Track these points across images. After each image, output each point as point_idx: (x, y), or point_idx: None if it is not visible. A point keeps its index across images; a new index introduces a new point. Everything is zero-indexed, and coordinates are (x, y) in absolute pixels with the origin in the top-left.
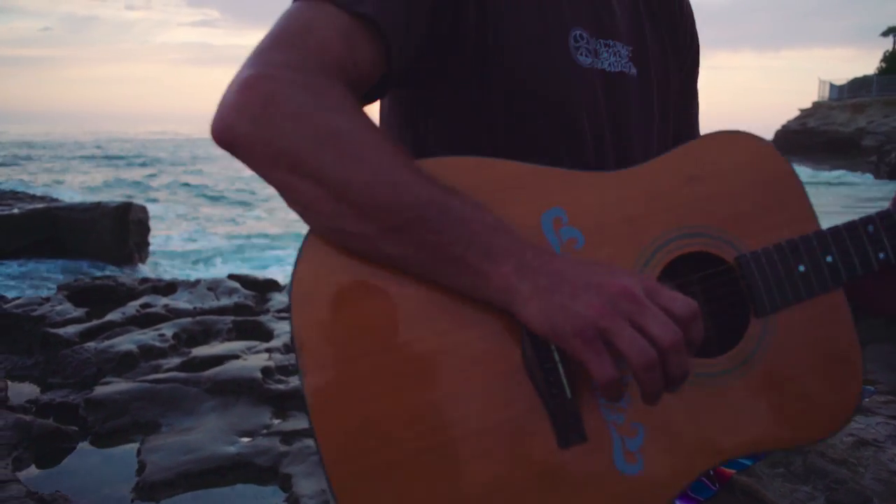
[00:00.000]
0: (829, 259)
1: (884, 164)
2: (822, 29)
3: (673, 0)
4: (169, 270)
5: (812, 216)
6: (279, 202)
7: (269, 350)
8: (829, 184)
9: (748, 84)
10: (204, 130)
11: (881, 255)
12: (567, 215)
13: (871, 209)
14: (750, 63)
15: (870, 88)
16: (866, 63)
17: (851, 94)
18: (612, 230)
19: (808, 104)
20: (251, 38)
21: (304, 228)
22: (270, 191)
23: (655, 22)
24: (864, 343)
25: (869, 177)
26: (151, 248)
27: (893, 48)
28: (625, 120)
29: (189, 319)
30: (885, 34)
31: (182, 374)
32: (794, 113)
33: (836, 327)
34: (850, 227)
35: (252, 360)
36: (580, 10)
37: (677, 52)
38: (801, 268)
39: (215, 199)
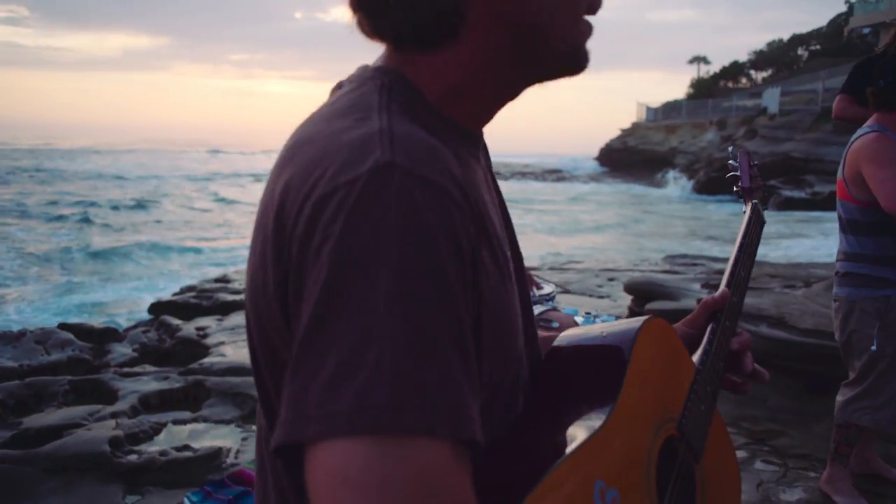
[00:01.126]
0: (708, 387)
1: (694, 181)
2: (637, 54)
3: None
4: None
5: (691, 361)
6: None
7: (115, 415)
8: (644, 196)
9: (574, 103)
10: (14, 138)
11: (721, 364)
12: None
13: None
14: (574, 83)
15: (680, 111)
16: (676, 87)
17: (665, 116)
18: (626, 470)
19: (627, 124)
20: (65, 39)
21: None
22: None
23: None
24: None
25: (678, 191)
26: None
27: (698, 76)
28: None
29: (16, 382)
30: (691, 62)
31: (13, 452)
32: (616, 132)
33: (727, 450)
34: (704, 354)
35: (96, 428)
36: (495, 220)
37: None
38: (702, 406)
39: (25, 213)
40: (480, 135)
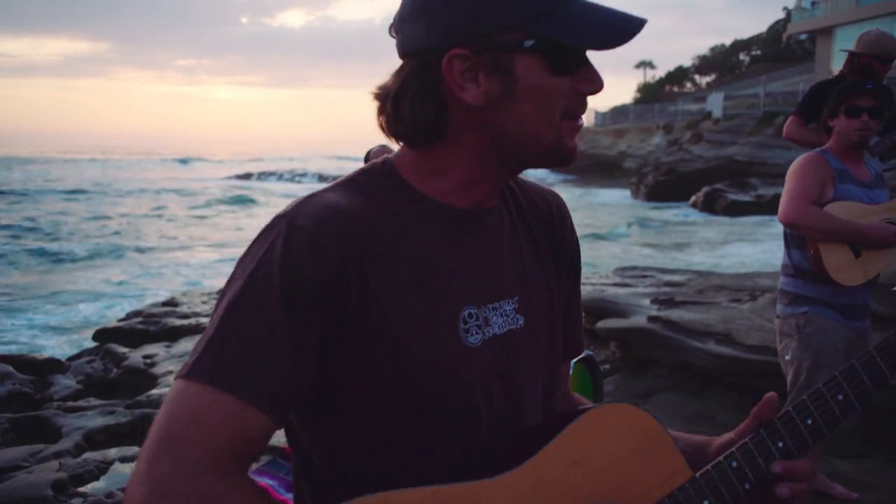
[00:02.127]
0: (705, 502)
1: (643, 186)
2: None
3: (556, 226)
4: None
5: (684, 466)
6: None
7: (58, 454)
8: (601, 202)
9: None
10: None
11: (747, 486)
12: None
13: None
14: None
15: (628, 116)
16: (624, 91)
17: (613, 120)
18: None
19: None
20: (1, 44)
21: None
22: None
23: (539, 255)
24: (650, 393)
25: (628, 194)
26: None
27: (645, 80)
28: (516, 375)
29: None
30: (637, 66)
31: None
32: None
33: None
34: (716, 466)
35: (38, 471)
36: (468, 283)
37: (560, 273)
38: None
39: None
40: (470, 209)
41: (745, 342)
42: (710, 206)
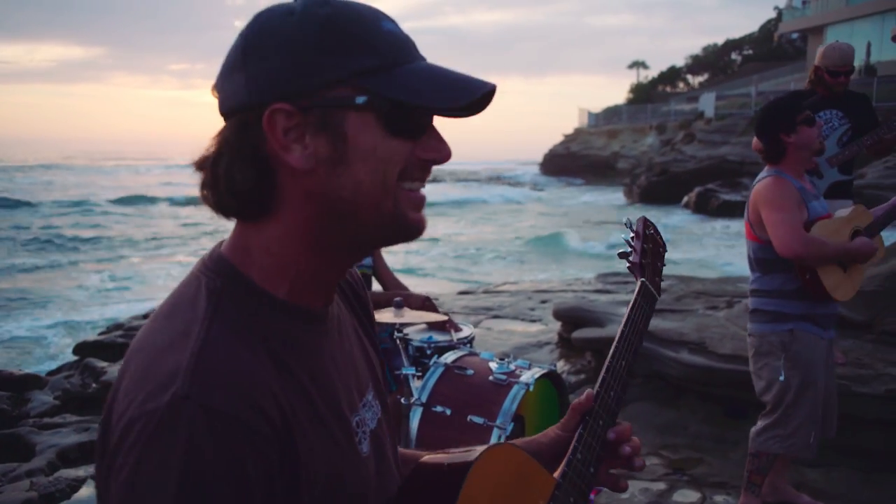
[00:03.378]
0: (571, 499)
1: (636, 187)
2: (579, 58)
3: (361, 294)
4: None
5: (549, 477)
6: None
7: (30, 473)
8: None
9: (517, 108)
10: None
11: (591, 469)
12: None
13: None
14: (518, 88)
15: (621, 116)
16: (617, 91)
17: (606, 121)
18: None
19: (570, 129)
20: None
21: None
22: None
23: (366, 330)
24: (626, 403)
25: (620, 195)
26: None
27: (638, 81)
28: (387, 457)
29: None
30: (630, 67)
31: None
32: (560, 137)
33: None
34: (568, 464)
35: (9, 491)
36: (348, 390)
37: (375, 337)
38: None
39: None
40: (322, 310)
41: (718, 351)
42: (703, 206)
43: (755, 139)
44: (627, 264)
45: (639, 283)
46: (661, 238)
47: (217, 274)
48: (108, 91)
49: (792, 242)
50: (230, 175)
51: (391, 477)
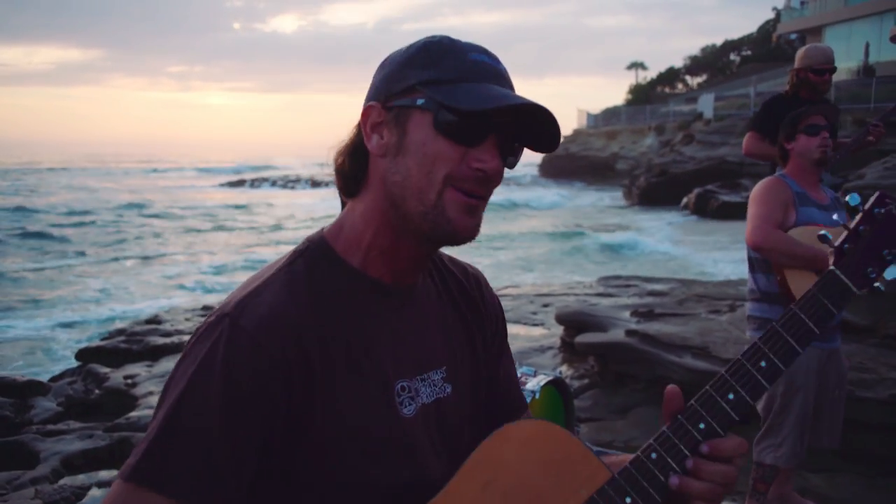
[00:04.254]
0: (628, 500)
1: (635, 188)
2: (578, 59)
3: (475, 297)
4: None
5: (601, 469)
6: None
7: (35, 480)
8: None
9: None
10: None
11: (671, 475)
12: None
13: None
14: (517, 89)
15: (620, 117)
16: (615, 92)
17: (605, 122)
18: None
19: (569, 131)
20: None
21: None
22: None
23: (466, 326)
24: (628, 408)
25: (618, 195)
26: None
27: (636, 82)
28: (450, 438)
29: None
30: (629, 68)
31: None
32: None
33: None
34: (634, 461)
35: (14, 499)
36: (399, 358)
37: (486, 342)
38: None
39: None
40: (396, 284)
41: (722, 356)
42: (703, 207)
43: (745, 142)
44: (828, 249)
45: (828, 270)
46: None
47: (309, 241)
48: (107, 93)
49: (758, 234)
50: (345, 161)
51: (436, 450)
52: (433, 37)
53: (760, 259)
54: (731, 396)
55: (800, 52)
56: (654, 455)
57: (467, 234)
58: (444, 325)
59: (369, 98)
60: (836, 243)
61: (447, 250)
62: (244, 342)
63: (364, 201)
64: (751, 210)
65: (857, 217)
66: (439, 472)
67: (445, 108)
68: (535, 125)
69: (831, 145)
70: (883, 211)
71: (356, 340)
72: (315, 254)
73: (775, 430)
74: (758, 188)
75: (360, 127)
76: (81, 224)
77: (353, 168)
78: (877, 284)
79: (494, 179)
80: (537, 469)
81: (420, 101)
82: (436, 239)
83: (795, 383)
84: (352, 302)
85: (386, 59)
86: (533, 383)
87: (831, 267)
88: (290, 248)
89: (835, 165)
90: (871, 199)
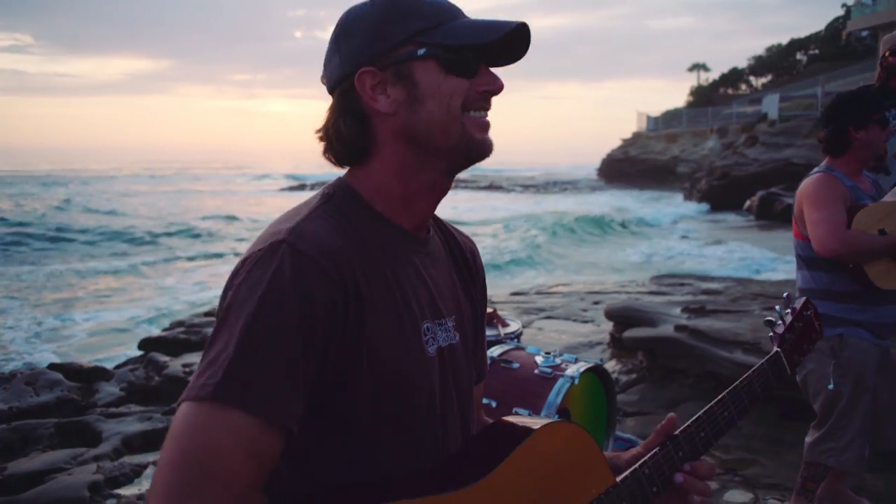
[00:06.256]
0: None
1: (696, 190)
2: (637, 62)
3: (470, 264)
4: None
5: (609, 475)
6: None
7: (97, 458)
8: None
9: (576, 113)
10: (18, 163)
11: (654, 489)
12: None
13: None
14: (576, 93)
15: (680, 120)
16: (676, 95)
17: (665, 124)
18: None
19: (628, 134)
20: (70, 65)
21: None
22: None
23: (465, 285)
24: (676, 402)
25: (679, 198)
26: None
27: (698, 83)
28: (460, 383)
29: (3, 426)
30: (690, 69)
31: None
32: (617, 142)
33: None
34: (633, 473)
35: (77, 473)
36: (423, 302)
37: (475, 304)
38: None
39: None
40: (416, 232)
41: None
42: (766, 210)
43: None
44: (770, 333)
45: (773, 351)
46: (818, 324)
47: (334, 186)
48: (175, 101)
49: (830, 241)
50: (338, 129)
51: (449, 390)
52: None
53: (808, 256)
54: (701, 434)
55: (885, 41)
56: (647, 471)
57: (490, 147)
58: (451, 277)
59: (349, 66)
60: (777, 330)
61: (443, 213)
62: (309, 265)
63: (378, 160)
64: (813, 215)
65: (793, 316)
66: (453, 420)
67: (450, 50)
68: (513, 42)
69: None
70: (809, 313)
71: (392, 279)
72: (346, 198)
73: (837, 434)
74: (809, 188)
75: (354, 96)
76: (171, 233)
77: (356, 134)
78: (796, 371)
79: (498, 93)
80: (567, 466)
81: (421, 52)
82: (469, 161)
83: (862, 385)
84: (384, 243)
85: (346, 27)
86: (572, 370)
87: (776, 349)
88: None
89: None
90: (801, 303)
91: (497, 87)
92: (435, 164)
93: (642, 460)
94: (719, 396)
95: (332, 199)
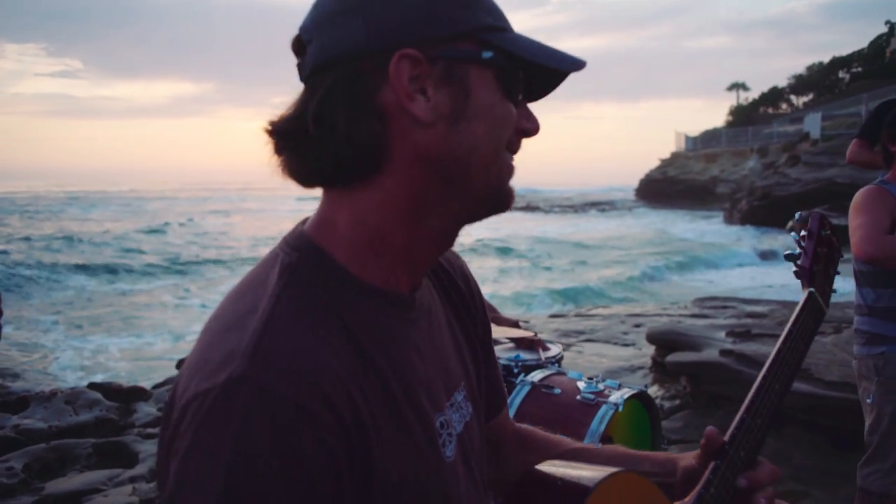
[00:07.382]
0: None
1: (736, 211)
2: (675, 81)
3: (461, 285)
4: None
5: None
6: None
7: (133, 479)
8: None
9: (611, 133)
10: (67, 183)
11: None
12: None
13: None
14: (612, 113)
15: (719, 139)
16: (715, 115)
17: (704, 144)
18: None
19: (666, 154)
20: (116, 89)
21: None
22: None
23: (462, 324)
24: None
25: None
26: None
27: (737, 103)
28: (475, 463)
29: (42, 445)
30: (729, 89)
31: None
32: (655, 162)
33: None
34: (698, 499)
35: (114, 494)
36: (433, 389)
37: (477, 332)
38: None
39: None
40: (409, 295)
41: (825, 378)
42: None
43: (849, 150)
44: (794, 269)
45: (806, 292)
46: (837, 240)
47: (294, 249)
48: (217, 124)
49: (867, 244)
50: (334, 126)
51: (477, 487)
52: None
53: (867, 272)
54: (758, 421)
55: None
56: (713, 490)
57: (513, 201)
58: (451, 330)
59: (382, 40)
60: (804, 263)
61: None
62: (290, 414)
63: (380, 189)
64: (854, 221)
65: (812, 240)
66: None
67: (518, 66)
68: (558, 80)
69: None
70: (827, 232)
71: (392, 376)
72: (314, 267)
73: (883, 455)
74: (858, 198)
75: (370, 84)
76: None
77: (366, 140)
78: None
79: (532, 136)
80: None
81: (487, 55)
82: (494, 212)
83: None
84: (376, 326)
85: None
86: (616, 396)
87: (810, 289)
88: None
89: None
90: (815, 221)
91: (537, 129)
92: (454, 207)
93: (705, 478)
94: (765, 368)
95: (297, 272)
